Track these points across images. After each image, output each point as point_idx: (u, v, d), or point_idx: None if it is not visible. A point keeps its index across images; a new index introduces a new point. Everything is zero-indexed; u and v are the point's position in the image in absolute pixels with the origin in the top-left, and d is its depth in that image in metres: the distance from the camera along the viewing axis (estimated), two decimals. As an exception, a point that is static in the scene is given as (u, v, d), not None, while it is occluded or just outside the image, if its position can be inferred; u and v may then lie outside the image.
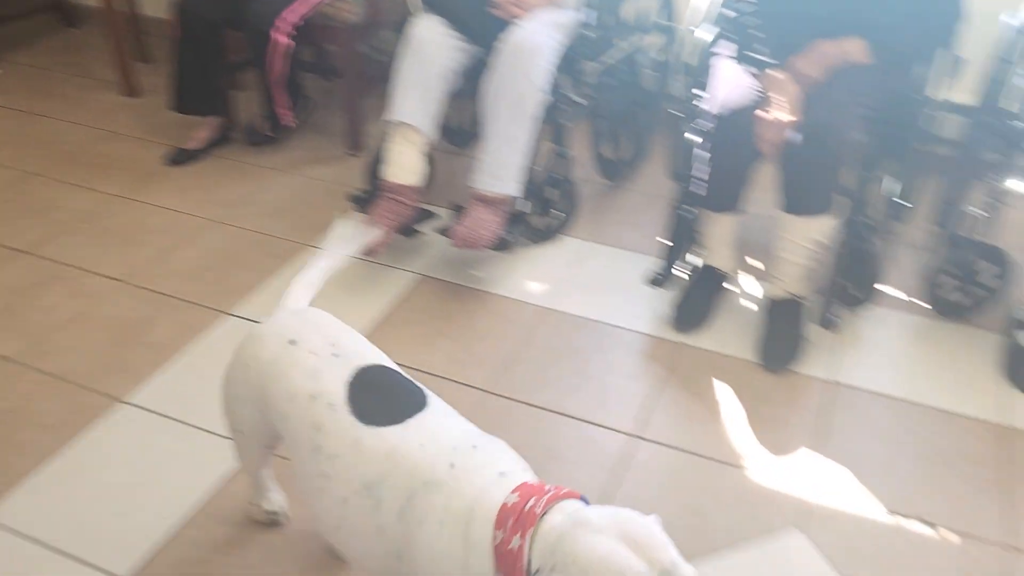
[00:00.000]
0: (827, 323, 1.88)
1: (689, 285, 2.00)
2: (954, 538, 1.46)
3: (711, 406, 1.74)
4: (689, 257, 2.02)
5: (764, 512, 1.50)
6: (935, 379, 1.80)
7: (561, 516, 0.96)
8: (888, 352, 1.88)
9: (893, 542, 1.46)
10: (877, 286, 1.97)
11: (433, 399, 1.20)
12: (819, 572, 1.38)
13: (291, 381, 1.20)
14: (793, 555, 1.41)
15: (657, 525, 0.95)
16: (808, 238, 1.80)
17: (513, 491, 1.01)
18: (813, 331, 1.88)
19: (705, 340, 1.91)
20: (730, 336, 1.92)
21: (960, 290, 1.94)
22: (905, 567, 1.42)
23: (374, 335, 1.86)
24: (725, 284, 2.01)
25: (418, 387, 1.22)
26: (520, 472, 1.08)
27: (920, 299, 2.00)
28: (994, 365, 1.83)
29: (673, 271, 2.01)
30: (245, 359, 1.28)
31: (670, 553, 0.91)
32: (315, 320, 1.29)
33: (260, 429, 1.31)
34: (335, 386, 1.18)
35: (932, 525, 1.49)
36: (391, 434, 1.11)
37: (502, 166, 2.03)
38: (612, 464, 1.60)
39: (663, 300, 2.00)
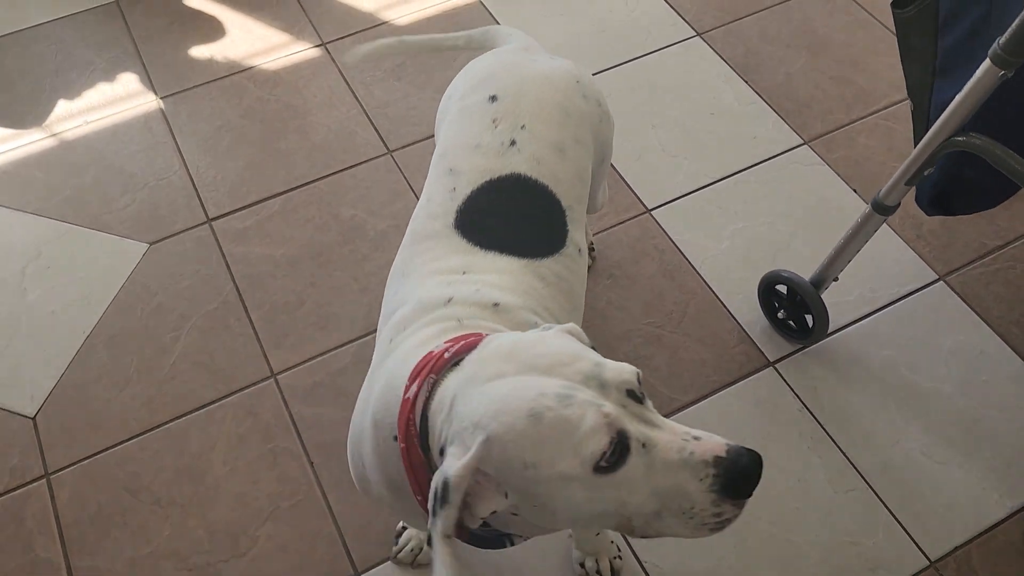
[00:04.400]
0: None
1: None
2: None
3: None
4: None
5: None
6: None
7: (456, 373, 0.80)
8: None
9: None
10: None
11: (570, 256, 1.06)
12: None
13: (453, 138, 1.13)
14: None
15: (566, 337, 0.81)
16: None
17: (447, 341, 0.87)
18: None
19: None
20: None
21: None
22: None
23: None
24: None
25: (565, 227, 1.08)
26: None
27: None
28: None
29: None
30: (450, 90, 1.24)
31: (589, 357, 0.77)
32: (539, 87, 1.14)
33: None
34: (473, 176, 1.08)
35: None
36: (466, 256, 1.02)
37: None
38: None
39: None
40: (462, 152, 1.11)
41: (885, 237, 1.77)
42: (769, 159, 1.90)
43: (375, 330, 1.64)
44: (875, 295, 1.69)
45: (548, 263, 1.04)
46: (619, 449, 0.72)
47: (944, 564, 1.39)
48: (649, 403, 0.78)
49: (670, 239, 1.78)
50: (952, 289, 1.70)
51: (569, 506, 0.74)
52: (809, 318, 1.59)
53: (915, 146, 1.38)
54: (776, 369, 1.60)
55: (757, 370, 1.60)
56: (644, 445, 0.73)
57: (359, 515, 1.44)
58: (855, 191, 1.84)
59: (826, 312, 1.55)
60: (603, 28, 2.15)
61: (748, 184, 1.86)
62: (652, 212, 1.82)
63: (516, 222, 1.06)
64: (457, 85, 1.22)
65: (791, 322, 1.62)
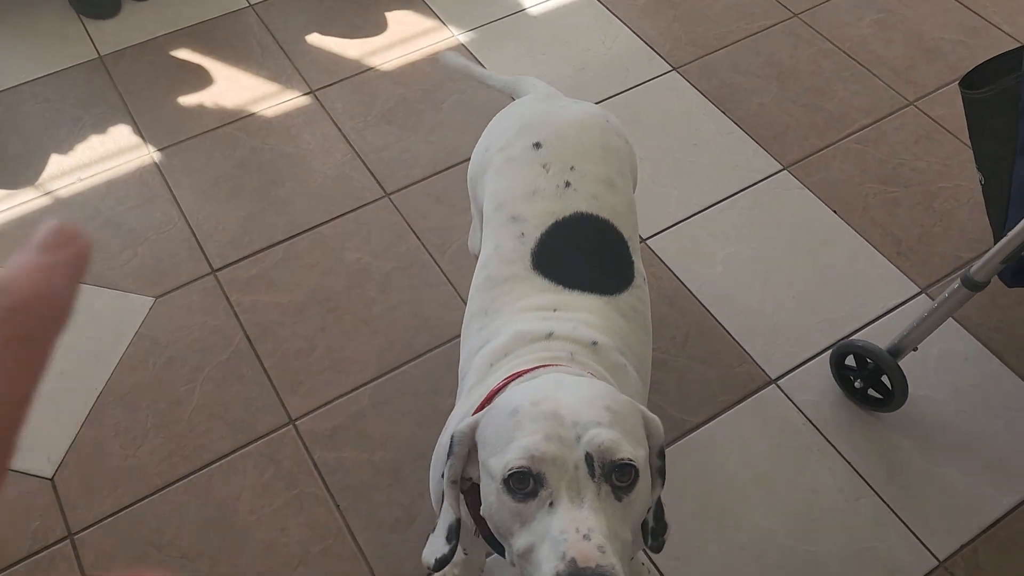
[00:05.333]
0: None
1: None
2: None
3: None
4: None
5: None
6: None
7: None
8: None
9: None
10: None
11: (639, 287, 1.12)
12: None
13: (507, 188, 1.16)
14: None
15: (632, 405, 0.84)
16: None
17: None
18: None
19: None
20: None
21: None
22: None
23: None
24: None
25: (630, 259, 1.13)
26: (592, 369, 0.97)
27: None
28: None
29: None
30: (486, 142, 1.26)
31: (603, 418, 0.78)
32: (577, 130, 1.20)
33: (478, 214, 1.27)
34: (539, 219, 1.12)
35: None
36: (550, 295, 1.05)
37: None
38: None
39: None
40: (521, 200, 1.15)
41: (868, 255, 1.87)
42: (752, 185, 1.99)
43: (390, 371, 1.71)
44: (864, 310, 1.79)
45: (625, 298, 1.10)
46: (533, 485, 0.76)
47: (953, 563, 1.47)
48: (605, 489, 0.76)
49: (666, 266, 1.85)
50: (933, 301, 1.80)
51: (488, 502, 0.80)
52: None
53: (988, 214, 1.42)
54: (778, 386, 1.68)
55: (760, 388, 1.67)
56: (551, 504, 0.75)
57: (391, 555, 1.46)
58: (835, 212, 1.95)
59: (905, 380, 1.53)
60: (583, 66, 2.24)
61: (735, 210, 1.95)
62: (647, 241, 1.89)
63: (588, 258, 1.11)
64: (493, 138, 1.26)
65: (870, 390, 1.60)
